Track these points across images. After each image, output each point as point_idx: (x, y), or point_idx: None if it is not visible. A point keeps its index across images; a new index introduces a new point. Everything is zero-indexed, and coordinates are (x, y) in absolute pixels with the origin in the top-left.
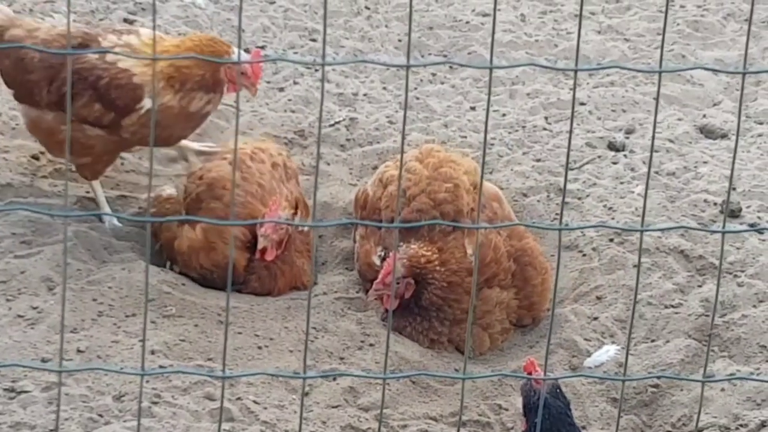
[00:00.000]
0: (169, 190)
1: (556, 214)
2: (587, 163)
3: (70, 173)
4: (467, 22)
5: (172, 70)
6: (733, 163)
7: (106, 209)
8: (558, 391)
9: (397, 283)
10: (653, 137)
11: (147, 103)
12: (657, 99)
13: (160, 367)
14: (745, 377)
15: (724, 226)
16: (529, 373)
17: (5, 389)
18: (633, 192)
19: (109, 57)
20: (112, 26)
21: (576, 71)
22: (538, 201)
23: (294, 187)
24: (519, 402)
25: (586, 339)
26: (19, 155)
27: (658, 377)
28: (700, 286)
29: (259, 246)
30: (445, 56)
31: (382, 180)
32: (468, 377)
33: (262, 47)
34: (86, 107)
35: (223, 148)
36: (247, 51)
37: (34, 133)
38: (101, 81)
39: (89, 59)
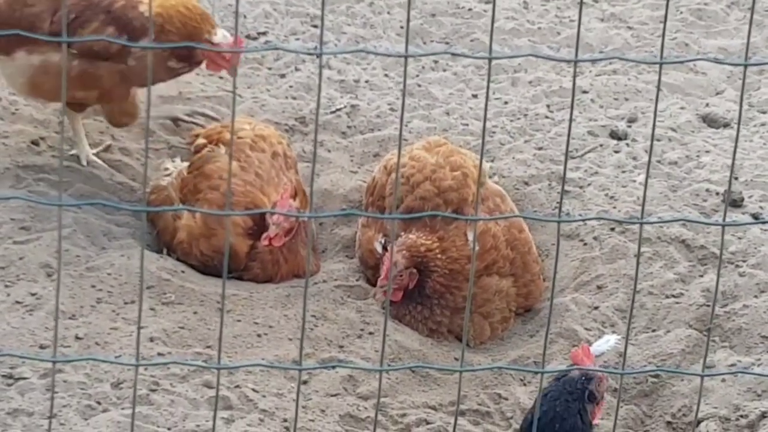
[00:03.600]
0: (166, 179)
1: (557, 202)
2: (589, 151)
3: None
4: (470, 9)
5: (159, 18)
6: (735, 152)
7: (87, 150)
8: (584, 379)
9: (401, 275)
10: (654, 126)
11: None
12: (658, 90)
13: (159, 354)
14: (744, 371)
15: (725, 217)
16: (578, 361)
17: (3, 376)
18: (635, 181)
19: None
20: None
21: (576, 62)
22: (540, 189)
23: (293, 177)
24: (518, 391)
25: (586, 328)
26: (18, 140)
27: (657, 370)
28: (701, 276)
29: (271, 234)
30: (447, 43)
31: (386, 167)
32: (465, 369)
33: (263, 33)
34: (97, 33)
35: (223, 127)
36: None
37: (42, 86)
38: (116, 4)
39: None
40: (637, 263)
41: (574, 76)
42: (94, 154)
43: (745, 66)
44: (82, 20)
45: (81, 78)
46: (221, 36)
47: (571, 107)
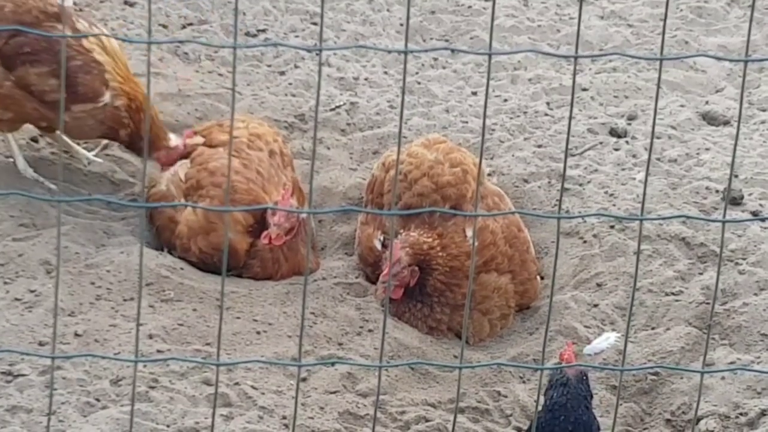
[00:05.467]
0: (165, 175)
1: (557, 200)
2: (589, 149)
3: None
4: (469, 7)
5: (136, 100)
6: (735, 150)
7: (21, 159)
8: (584, 377)
9: (403, 273)
10: (654, 124)
11: (107, 98)
12: (658, 86)
13: (158, 351)
14: (744, 368)
15: (725, 215)
16: (565, 358)
17: (2, 373)
18: (634, 179)
19: (85, 43)
20: (84, 13)
21: (576, 58)
22: (539, 187)
23: (290, 174)
24: (518, 389)
25: (586, 326)
26: (17, 137)
27: (657, 368)
28: (701, 274)
29: (273, 234)
30: (447, 41)
31: (385, 164)
32: (464, 366)
33: (263, 30)
34: (41, 77)
35: (220, 126)
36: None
37: None
38: (73, 61)
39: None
40: (637, 260)
41: (575, 73)
42: (93, 155)
43: (746, 63)
44: (33, 59)
45: (3, 98)
46: (174, 139)
47: (571, 104)
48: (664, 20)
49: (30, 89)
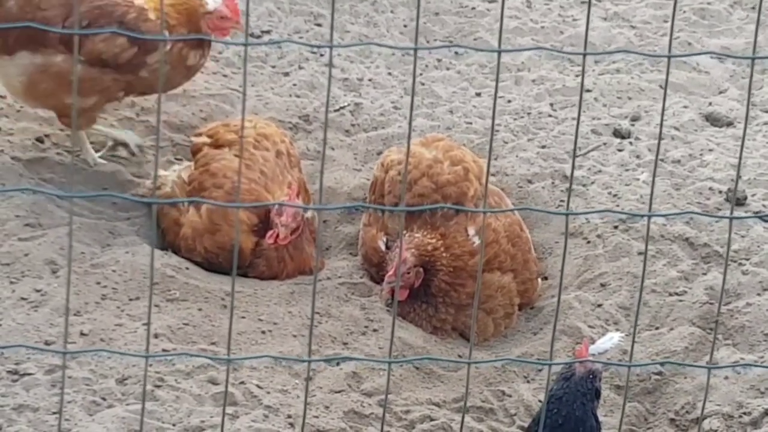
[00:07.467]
0: (169, 178)
1: (561, 200)
2: (592, 150)
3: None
4: (473, 8)
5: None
6: (741, 149)
7: (92, 153)
8: (591, 376)
9: (408, 273)
10: (661, 122)
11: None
12: (666, 86)
13: (164, 350)
14: (750, 364)
15: (732, 212)
16: (578, 354)
17: (9, 371)
18: (638, 179)
19: None
20: None
21: (585, 56)
22: (543, 188)
23: (297, 175)
24: (522, 388)
25: (590, 326)
26: (23, 138)
27: (663, 364)
28: (704, 274)
29: (281, 235)
30: (450, 42)
31: (384, 164)
32: (473, 362)
33: (267, 32)
34: (107, 42)
35: (226, 126)
36: None
37: (38, 85)
38: (129, 15)
39: None
40: (645, 258)
41: (583, 71)
42: (99, 156)
43: (753, 60)
44: (94, 28)
45: (81, 84)
46: (212, 3)
47: (579, 103)
48: (672, 20)
49: (102, 59)
